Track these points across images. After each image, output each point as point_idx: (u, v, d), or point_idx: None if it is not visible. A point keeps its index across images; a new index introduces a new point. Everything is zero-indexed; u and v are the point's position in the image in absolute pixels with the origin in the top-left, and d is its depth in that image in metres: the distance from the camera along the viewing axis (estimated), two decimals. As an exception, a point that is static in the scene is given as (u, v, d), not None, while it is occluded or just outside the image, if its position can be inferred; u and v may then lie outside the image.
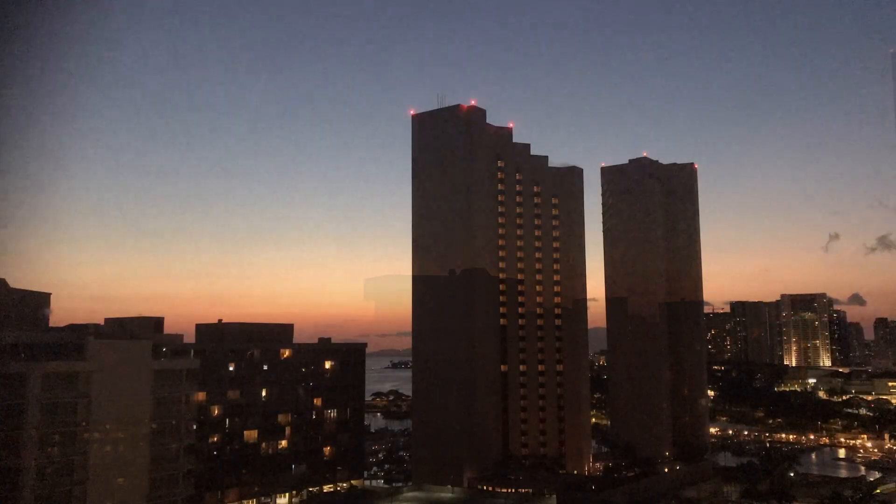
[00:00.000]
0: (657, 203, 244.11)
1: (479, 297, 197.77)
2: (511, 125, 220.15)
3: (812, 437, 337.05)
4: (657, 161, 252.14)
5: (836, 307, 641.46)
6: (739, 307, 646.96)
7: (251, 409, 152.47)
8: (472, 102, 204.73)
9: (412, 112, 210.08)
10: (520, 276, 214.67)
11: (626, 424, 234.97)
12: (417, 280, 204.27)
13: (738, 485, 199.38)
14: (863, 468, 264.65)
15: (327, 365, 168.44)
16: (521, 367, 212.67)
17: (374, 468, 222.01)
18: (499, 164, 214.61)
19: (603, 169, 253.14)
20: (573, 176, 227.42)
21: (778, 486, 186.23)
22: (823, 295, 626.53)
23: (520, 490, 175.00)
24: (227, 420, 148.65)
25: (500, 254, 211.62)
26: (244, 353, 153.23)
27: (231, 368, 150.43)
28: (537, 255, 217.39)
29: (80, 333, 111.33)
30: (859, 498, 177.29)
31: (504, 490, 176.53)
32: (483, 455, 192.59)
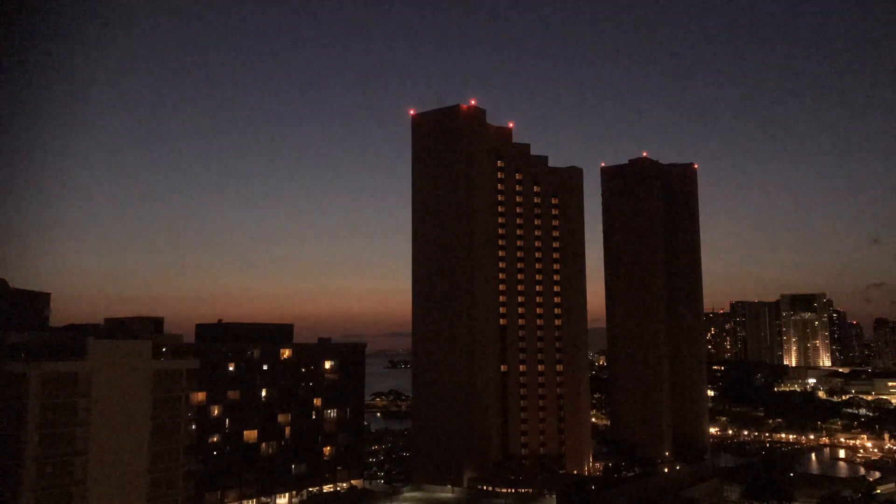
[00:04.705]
0: (657, 203, 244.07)
1: (479, 297, 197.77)
2: (511, 125, 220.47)
3: (812, 437, 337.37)
4: (657, 161, 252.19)
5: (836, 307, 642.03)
6: (739, 307, 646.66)
7: (251, 409, 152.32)
8: (472, 102, 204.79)
9: (412, 112, 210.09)
10: (520, 276, 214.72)
11: (626, 424, 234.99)
12: (417, 280, 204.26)
13: (738, 485, 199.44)
14: (863, 468, 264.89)
15: (327, 365, 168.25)
16: (521, 368, 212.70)
17: (374, 468, 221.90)
18: (499, 164, 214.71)
19: (603, 169, 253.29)
20: (573, 176, 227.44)
21: (778, 486, 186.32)
22: (823, 295, 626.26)
23: (520, 490, 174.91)
24: (227, 420, 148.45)
25: (500, 254, 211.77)
26: (244, 353, 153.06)
27: (231, 368, 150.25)
28: (537, 254, 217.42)
29: (80, 333, 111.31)
30: (859, 498, 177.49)
31: (504, 490, 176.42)
32: (483, 455, 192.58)
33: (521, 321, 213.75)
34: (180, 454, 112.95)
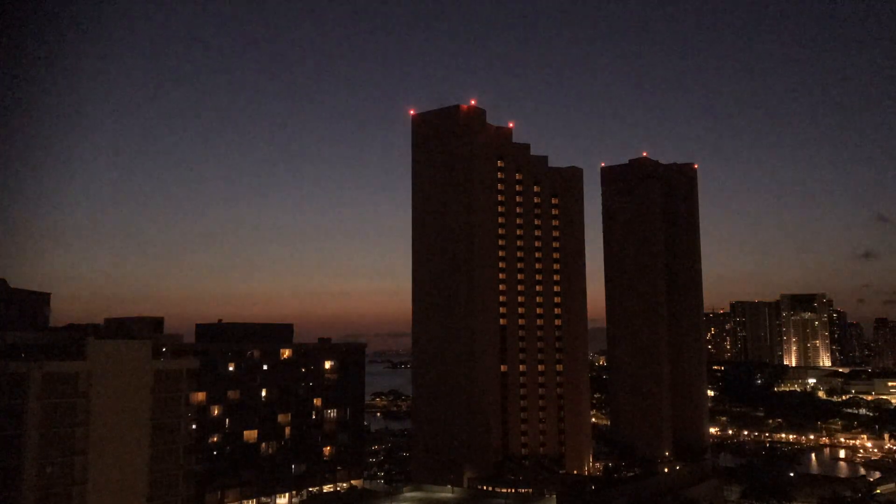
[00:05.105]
0: (657, 203, 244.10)
1: (479, 297, 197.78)
2: (511, 125, 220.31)
3: (812, 437, 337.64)
4: (657, 161, 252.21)
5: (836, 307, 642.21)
6: (739, 307, 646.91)
7: (251, 409, 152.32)
8: (472, 102, 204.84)
9: (412, 112, 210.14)
10: (520, 276, 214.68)
11: (626, 424, 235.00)
12: (417, 280, 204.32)
13: (738, 485, 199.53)
14: (863, 468, 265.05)
15: (327, 365, 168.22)
16: (521, 367, 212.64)
17: (374, 468, 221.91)
18: (499, 164, 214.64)
19: (603, 169, 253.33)
20: (573, 176, 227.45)
21: (778, 486, 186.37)
22: (823, 295, 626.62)
23: (520, 490, 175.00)
24: (227, 420, 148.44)
25: (500, 254, 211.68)
26: (244, 353, 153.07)
27: (231, 368, 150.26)
28: (537, 254, 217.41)
29: (80, 333, 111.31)
30: (859, 498, 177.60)
31: (504, 490, 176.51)
32: (483, 455, 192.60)
33: (521, 321, 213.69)
34: (180, 454, 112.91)
